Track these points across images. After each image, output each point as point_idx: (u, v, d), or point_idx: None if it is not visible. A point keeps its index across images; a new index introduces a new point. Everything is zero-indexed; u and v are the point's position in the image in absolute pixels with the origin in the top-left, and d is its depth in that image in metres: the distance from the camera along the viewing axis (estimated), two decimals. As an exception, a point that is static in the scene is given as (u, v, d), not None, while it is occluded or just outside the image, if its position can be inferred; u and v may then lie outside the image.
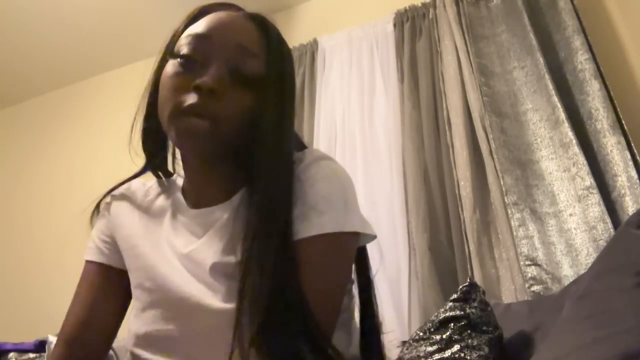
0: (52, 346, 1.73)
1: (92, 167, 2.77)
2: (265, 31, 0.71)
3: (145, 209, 0.77)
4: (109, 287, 0.76)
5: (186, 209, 0.73)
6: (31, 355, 1.84)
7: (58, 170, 2.91)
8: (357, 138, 2.04)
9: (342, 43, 2.29)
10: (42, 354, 1.79)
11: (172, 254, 0.70)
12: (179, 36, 0.71)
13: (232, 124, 0.65)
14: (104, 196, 0.81)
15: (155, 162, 0.79)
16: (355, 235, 0.67)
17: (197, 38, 0.68)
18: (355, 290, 0.76)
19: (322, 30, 2.41)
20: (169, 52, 0.71)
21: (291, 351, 0.55)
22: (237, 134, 0.65)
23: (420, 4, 2.18)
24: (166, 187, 0.79)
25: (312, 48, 2.35)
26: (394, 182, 1.90)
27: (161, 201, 0.78)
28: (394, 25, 2.20)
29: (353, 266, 0.74)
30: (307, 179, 0.66)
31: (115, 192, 0.81)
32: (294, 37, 2.47)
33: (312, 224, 0.63)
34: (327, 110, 2.17)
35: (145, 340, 0.68)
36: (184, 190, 0.76)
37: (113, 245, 0.78)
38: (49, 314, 2.49)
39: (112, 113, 2.92)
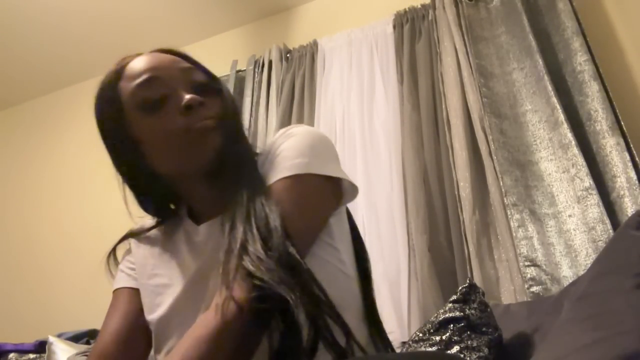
0: (52, 346, 1.73)
1: (85, 168, 2.77)
2: (178, 53, 0.78)
3: (161, 244, 0.80)
4: (138, 311, 0.78)
5: (195, 228, 0.76)
6: (31, 355, 1.84)
7: (55, 171, 2.91)
8: (356, 139, 2.05)
9: (342, 44, 2.30)
10: (42, 354, 1.79)
11: (183, 274, 0.73)
12: (127, 92, 0.72)
13: (229, 122, 0.73)
14: (118, 243, 0.83)
15: (157, 211, 0.82)
16: (322, 178, 0.69)
17: (150, 82, 0.71)
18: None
19: (322, 31, 2.41)
20: (135, 108, 0.71)
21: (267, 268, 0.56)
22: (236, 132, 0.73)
23: (419, 6, 2.18)
24: (174, 221, 0.82)
25: (312, 49, 2.35)
26: (394, 183, 1.90)
27: (173, 232, 0.80)
28: (394, 27, 2.21)
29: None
30: (278, 144, 0.72)
31: (133, 231, 0.85)
32: (294, 39, 2.48)
33: (278, 170, 0.68)
34: (327, 111, 2.17)
35: None
36: (191, 215, 0.79)
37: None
38: (49, 314, 2.50)
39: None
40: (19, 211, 2.93)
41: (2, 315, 2.62)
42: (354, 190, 0.74)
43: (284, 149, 0.70)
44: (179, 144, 0.69)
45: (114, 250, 0.82)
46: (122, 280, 0.82)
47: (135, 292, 0.80)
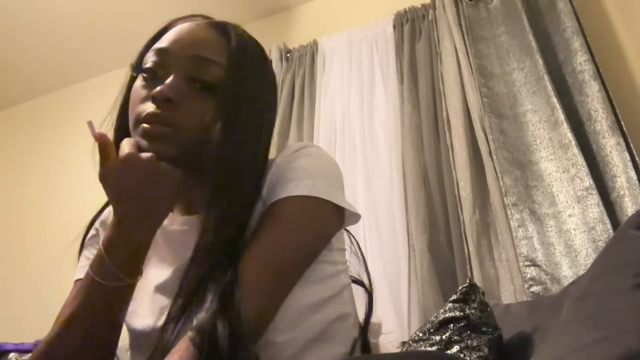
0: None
1: (90, 169, 2.77)
2: (227, 37, 0.71)
3: None
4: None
5: (177, 219, 0.73)
6: (31, 355, 1.84)
7: (57, 170, 2.91)
8: (357, 139, 2.05)
9: (342, 44, 2.30)
10: (42, 354, 1.79)
11: (160, 271, 0.71)
12: (145, 52, 0.73)
13: (194, 131, 0.65)
14: (88, 229, 0.81)
15: None
16: (327, 202, 0.67)
17: (158, 52, 0.69)
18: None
19: (322, 31, 2.41)
20: (134, 68, 0.73)
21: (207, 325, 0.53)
22: (201, 141, 0.65)
23: (419, 6, 2.18)
24: None
25: (312, 49, 2.35)
26: (394, 183, 1.90)
27: None
28: (394, 27, 2.21)
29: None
30: (288, 161, 0.70)
31: (102, 219, 0.81)
32: (294, 38, 2.48)
33: (285, 188, 0.66)
34: (327, 111, 2.17)
35: None
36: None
37: None
38: (49, 314, 2.49)
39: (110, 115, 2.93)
40: (19, 210, 2.93)
41: (2, 315, 2.62)
42: (356, 217, 0.74)
43: (293, 168, 0.69)
44: (131, 120, 0.68)
45: (83, 242, 0.80)
46: (85, 271, 0.76)
47: None
